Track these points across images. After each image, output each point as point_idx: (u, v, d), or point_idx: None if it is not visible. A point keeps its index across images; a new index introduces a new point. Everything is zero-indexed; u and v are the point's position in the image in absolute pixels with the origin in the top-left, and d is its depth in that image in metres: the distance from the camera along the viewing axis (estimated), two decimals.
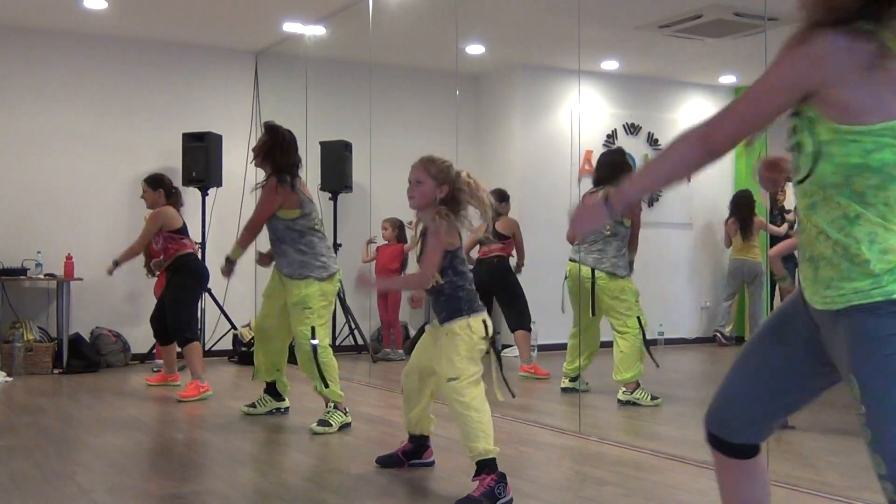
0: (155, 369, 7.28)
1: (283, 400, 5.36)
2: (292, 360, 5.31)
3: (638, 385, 5.67)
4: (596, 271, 5.71)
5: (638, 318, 5.64)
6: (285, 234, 4.91)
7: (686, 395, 6.08)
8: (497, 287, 6.68)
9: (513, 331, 6.87)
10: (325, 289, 4.93)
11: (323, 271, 4.92)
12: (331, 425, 4.79)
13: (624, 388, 5.68)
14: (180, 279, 6.21)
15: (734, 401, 2.04)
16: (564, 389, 5.98)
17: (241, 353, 7.97)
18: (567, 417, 5.15)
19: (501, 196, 6.86)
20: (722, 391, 2.07)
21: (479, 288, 3.63)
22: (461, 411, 3.38)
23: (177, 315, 6.14)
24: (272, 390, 5.33)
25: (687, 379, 5.77)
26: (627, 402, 5.64)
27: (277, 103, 8.36)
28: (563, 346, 6.15)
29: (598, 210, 1.97)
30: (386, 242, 8.28)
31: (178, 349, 6.33)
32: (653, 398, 5.64)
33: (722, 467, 2.09)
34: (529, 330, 6.77)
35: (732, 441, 2.04)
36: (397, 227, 8.26)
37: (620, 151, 6.22)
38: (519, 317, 6.75)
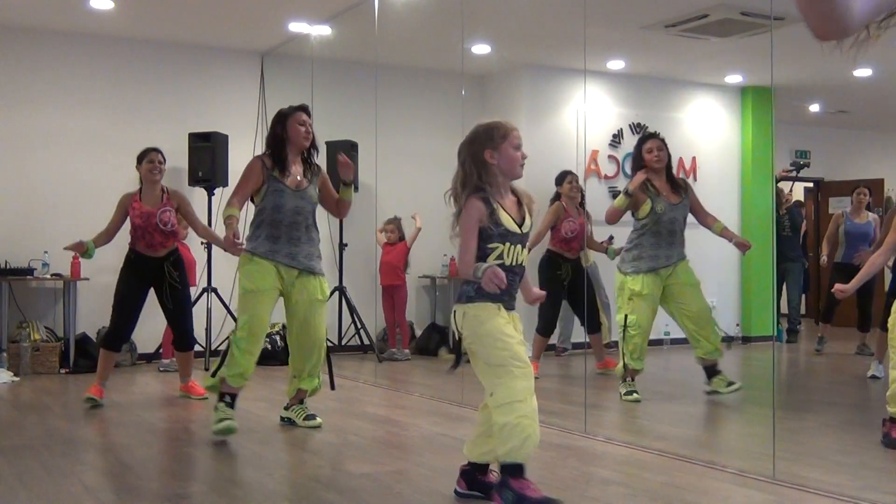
0: (161, 369, 7.30)
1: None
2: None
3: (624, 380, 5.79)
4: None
5: (626, 315, 5.69)
6: (313, 222, 4.84)
7: (692, 395, 6.07)
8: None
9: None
10: None
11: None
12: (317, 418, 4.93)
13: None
14: (183, 276, 5.93)
15: None
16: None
17: None
18: (573, 417, 5.14)
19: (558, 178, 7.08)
20: None
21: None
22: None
23: (191, 315, 5.98)
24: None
25: (693, 379, 5.76)
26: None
27: (283, 103, 8.21)
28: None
29: None
30: (388, 242, 8.29)
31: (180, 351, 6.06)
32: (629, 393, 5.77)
33: None
34: (542, 334, 6.80)
35: None
36: (399, 228, 8.28)
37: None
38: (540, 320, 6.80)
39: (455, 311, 3.28)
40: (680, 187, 5.82)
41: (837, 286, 4.44)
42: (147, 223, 5.71)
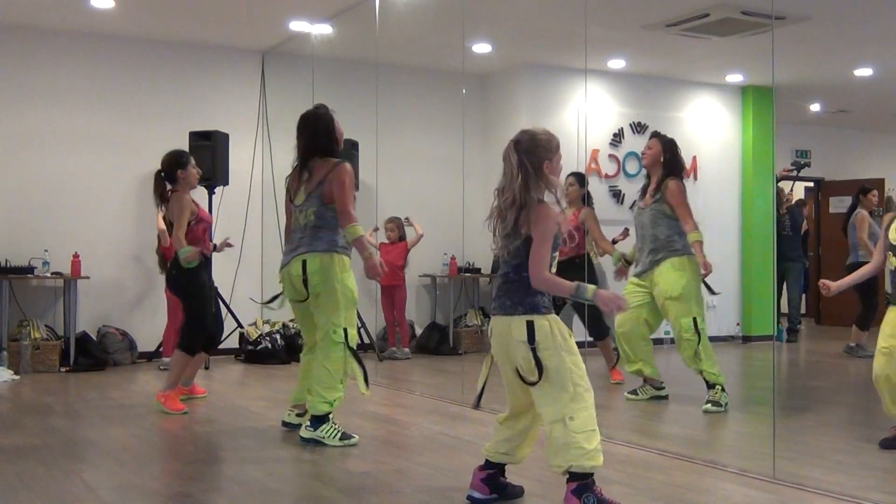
0: (162, 367, 7.28)
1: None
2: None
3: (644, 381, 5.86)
4: None
5: None
6: None
7: (693, 394, 6.06)
8: None
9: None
10: None
11: None
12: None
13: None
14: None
15: None
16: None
17: (248, 352, 7.99)
18: None
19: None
20: None
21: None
22: None
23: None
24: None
25: (694, 378, 5.75)
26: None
27: (284, 102, 8.36)
28: None
29: None
30: (388, 241, 8.29)
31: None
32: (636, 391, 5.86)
33: None
34: None
35: None
36: (399, 227, 8.28)
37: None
38: None
39: (532, 322, 3.15)
40: (658, 190, 5.57)
41: (823, 281, 4.41)
42: (209, 224, 5.76)
